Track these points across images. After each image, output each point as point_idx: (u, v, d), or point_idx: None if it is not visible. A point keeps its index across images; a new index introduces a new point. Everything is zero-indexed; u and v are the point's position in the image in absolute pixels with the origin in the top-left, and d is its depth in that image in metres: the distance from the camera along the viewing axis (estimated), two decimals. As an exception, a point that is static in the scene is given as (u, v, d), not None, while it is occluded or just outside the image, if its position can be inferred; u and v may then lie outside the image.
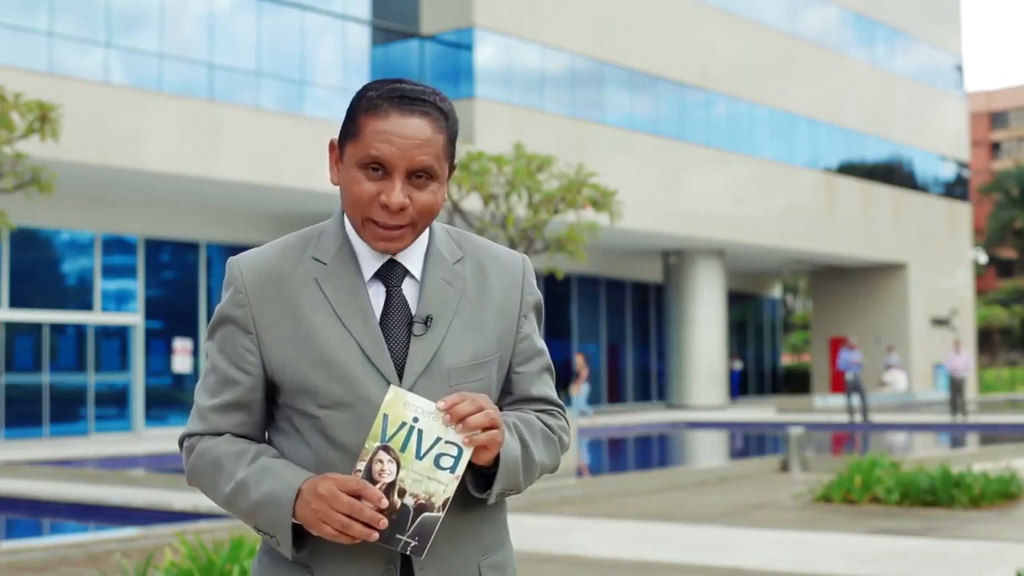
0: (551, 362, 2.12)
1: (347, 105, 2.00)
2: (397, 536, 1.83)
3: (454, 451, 1.83)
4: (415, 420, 1.82)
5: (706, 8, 32.41)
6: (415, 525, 1.83)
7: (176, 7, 22.27)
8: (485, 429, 1.84)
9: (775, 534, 9.37)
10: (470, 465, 1.89)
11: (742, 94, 33.55)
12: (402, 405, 1.82)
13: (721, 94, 32.90)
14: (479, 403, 1.85)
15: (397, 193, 1.89)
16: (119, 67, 21.20)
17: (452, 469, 1.83)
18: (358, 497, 1.81)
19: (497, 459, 1.89)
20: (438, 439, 1.83)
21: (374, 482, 1.82)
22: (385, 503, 1.81)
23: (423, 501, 1.83)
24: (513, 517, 9.75)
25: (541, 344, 2.10)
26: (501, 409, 2.04)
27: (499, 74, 27.00)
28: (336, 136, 2.01)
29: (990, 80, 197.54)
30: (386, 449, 1.82)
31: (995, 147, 78.20)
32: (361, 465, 1.82)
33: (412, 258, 1.99)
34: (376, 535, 1.81)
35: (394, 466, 1.82)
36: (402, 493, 1.82)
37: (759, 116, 34.13)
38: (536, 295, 2.10)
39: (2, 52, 19.44)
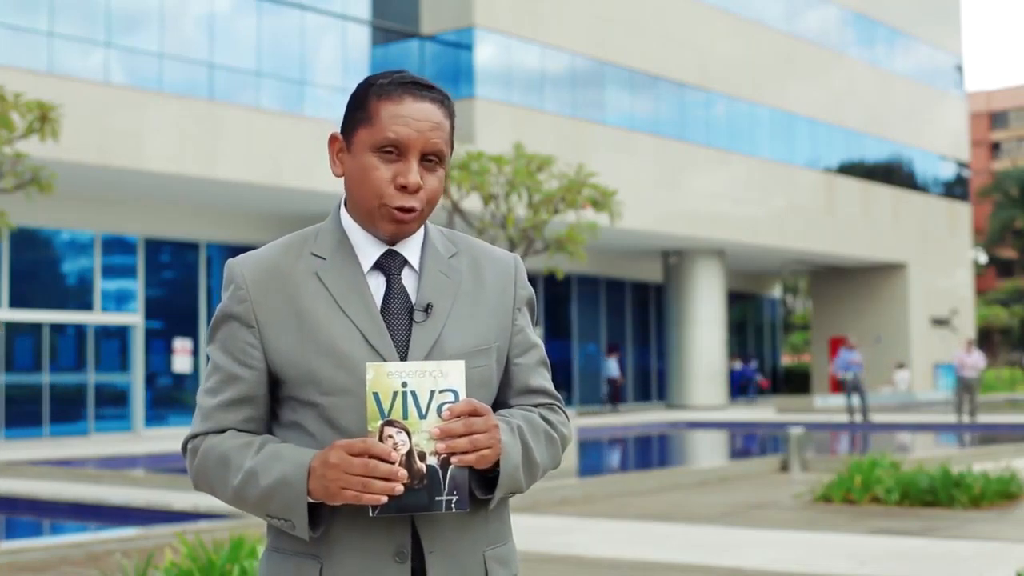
0: (546, 356, 2.15)
1: (348, 100, 2.04)
2: (437, 499, 1.85)
3: (451, 396, 1.86)
4: (404, 385, 1.85)
5: (706, 8, 32.41)
6: (448, 481, 1.85)
7: (176, 7, 22.27)
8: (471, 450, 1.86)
9: (775, 534, 9.36)
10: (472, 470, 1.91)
11: (742, 94, 33.55)
12: (386, 376, 1.85)
13: (721, 94, 32.90)
14: (471, 425, 1.86)
15: (414, 173, 1.95)
16: (119, 67, 21.19)
17: None
18: (370, 456, 1.82)
19: (498, 464, 1.91)
20: (432, 392, 1.85)
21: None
22: (395, 456, 1.82)
23: (444, 455, 1.85)
24: (513, 517, 9.73)
25: (536, 338, 2.13)
26: (505, 403, 2.07)
27: (499, 74, 27.00)
28: (336, 130, 2.05)
29: (990, 80, 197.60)
30: (390, 423, 1.84)
31: (995, 147, 78.19)
32: None
33: (410, 249, 2.03)
34: (400, 487, 1.81)
35: (404, 435, 1.84)
36: (422, 456, 1.84)
37: (759, 116, 34.13)
38: (529, 290, 2.14)
39: (2, 52, 19.44)
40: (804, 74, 36.04)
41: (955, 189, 43.47)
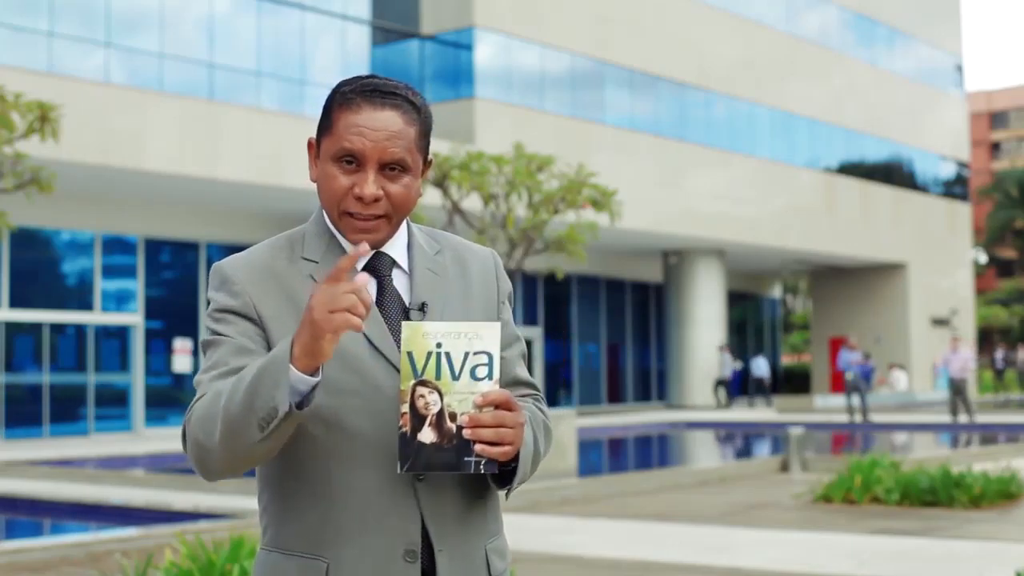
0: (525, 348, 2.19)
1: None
2: (466, 459, 1.84)
3: (484, 359, 1.85)
4: (438, 346, 1.84)
5: (706, 8, 32.41)
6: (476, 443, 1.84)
7: (176, 7, 22.27)
8: (494, 443, 1.84)
9: (775, 534, 9.37)
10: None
11: (742, 94, 33.55)
12: (421, 336, 1.84)
13: (721, 94, 32.90)
14: (501, 419, 1.84)
15: (370, 184, 1.91)
16: (119, 67, 21.19)
17: (489, 376, 1.85)
18: (339, 272, 1.74)
19: (516, 457, 1.91)
20: (466, 354, 1.85)
21: (422, 417, 1.82)
22: (359, 258, 1.77)
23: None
24: (513, 517, 9.76)
25: (516, 330, 2.15)
26: None
27: (499, 74, 26.99)
28: (314, 136, 2.03)
29: (990, 80, 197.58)
30: (423, 383, 1.83)
31: (995, 147, 78.19)
32: (404, 407, 1.83)
33: (397, 250, 2.02)
34: (371, 290, 1.81)
35: (436, 395, 1.83)
36: (453, 417, 1.83)
37: (759, 116, 34.13)
38: (508, 283, 2.17)
39: (2, 52, 19.43)
40: (804, 74, 36.04)
41: (955, 189, 43.46)
